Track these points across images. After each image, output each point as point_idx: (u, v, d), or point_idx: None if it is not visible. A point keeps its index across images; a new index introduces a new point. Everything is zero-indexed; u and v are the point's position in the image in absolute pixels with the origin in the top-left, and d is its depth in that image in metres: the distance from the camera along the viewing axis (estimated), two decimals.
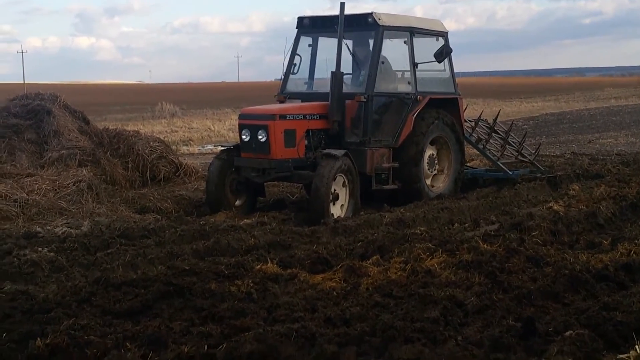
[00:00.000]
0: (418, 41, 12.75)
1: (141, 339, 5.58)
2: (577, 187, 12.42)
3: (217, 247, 8.63)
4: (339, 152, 11.17)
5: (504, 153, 15.05)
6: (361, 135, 11.94)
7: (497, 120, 15.54)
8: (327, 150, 11.33)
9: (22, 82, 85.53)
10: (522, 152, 15.41)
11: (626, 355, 4.99)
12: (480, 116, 15.61)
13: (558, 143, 21.94)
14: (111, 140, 14.20)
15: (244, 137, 11.57)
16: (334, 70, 11.72)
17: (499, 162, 14.62)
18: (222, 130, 35.96)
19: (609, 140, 23.96)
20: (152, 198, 12.37)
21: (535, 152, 15.92)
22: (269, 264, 7.70)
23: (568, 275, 6.88)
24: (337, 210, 11.19)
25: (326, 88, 11.99)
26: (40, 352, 5.29)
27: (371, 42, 12.42)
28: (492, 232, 9.08)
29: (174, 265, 7.53)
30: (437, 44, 12.91)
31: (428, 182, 12.86)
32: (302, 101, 12.54)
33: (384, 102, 12.43)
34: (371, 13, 12.08)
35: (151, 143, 14.26)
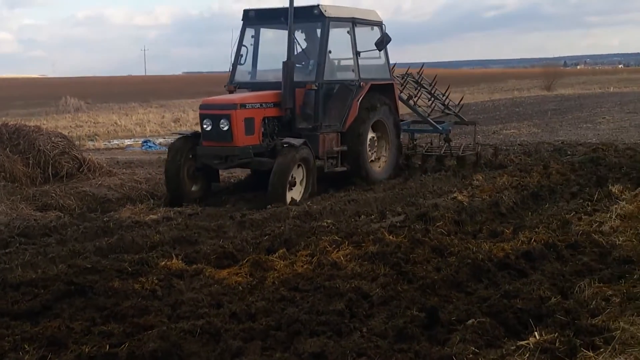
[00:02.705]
0: (357, 31, 13.42)
1: (40, 340, 5.45)
2: (481, 177, 12.69)
3: (121, 244, 8.46)
4: (298, 142, 11.76)
5: (431, 106, 16.10)
6: (312, 121, 12.58)
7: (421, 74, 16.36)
8: (287, 139, 11.90)
9: None
10: (448, 105, 16.48)
11: (526, 342, 5.10)
12: (407, 71, 16.26)
13: (463, 134, 22.26)
14: (10, 136, 13.75)
15: (205, 126, 11.95)
16: (281, 60, 12.31)
17: (429, 119, 15.64)
18: (129, 124, 35.41)
19: (512, 130, 24.51)
20: (54, 195, 12.05)
21: (458, 104, 16.98)
22: (174, 260, 7.61)
23: (471, 264, 7.01)
24: (295, 194, 11.76)
25: (270, 77, 12.98)
26: None
27: (316, 32, 13.10)
28: (398, 224, 9.19)
29: (76, 264, 7.35)
30: (373, 33, 13.69)
31: (369, 162, 13.53)
32: (250, 90, 13.06)
33: (331, 89, 13.03)
34: (317, 5, 12.70)
35: (53, 138, 13.86)
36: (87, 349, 5.21)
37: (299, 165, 11.83)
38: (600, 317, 5.61)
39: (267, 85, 13.01)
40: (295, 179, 11.80)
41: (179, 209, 11.42)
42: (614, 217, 9.10)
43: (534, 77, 79.82)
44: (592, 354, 4.90)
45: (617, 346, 4.99)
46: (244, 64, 13.55)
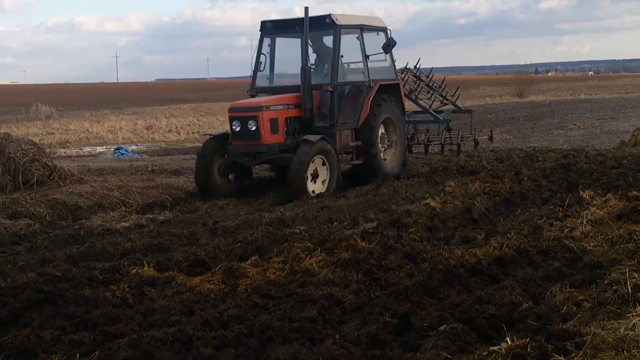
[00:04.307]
0: (365, 36, 14.59)
1: (9, 350, 5.38)
2: (453, 184, 12.72)
3: (92, 252, 8.39)
4: (315, 138, 12.92)
5: (431, 98, 18.11)
6: (329, 119, 13.75)
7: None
8: (305, 136, 13.05)
9: None
10: (446, 96, 18.43)
11: (498, 347, 5.10)
12: (406, 66, 17.66)
13: (436, 140, 22.39)
14: None
15: (234, 127, 13.19)
16: (295, 65, 13.79)
17: (430, 110, 17.55)
18: (100, 132, 35.27)
19: (484, 137, 24.57)
20: (24, 203, 11.89)
21: (454, 93, 18.94)
22: (146, 268, 7.55)
23: (443, 270, 7.01)
24: (318, 186, 13.01)
25: (286, 82, 14.36)
26: None
27: (327, 38, 14.33)
28: (371, 230, 9.19)
29: (46, 272, 7.28)
30: (378, 38, 14.90)
31: (381, 156, 14.66)
32: (269, 94, 14.19)
33: (344, 90, 14.23)
34: (329, 15, 13.87)
35: (23, 146, 13.72)
36: (57, 358, 5.16)
37: (320, 159, 12.95)
38: (571, 322, 5.63)
39: (284, 89, 14.14)
40: (317, 171, 12.95)
41: (150, 216, 11.37)
42: (584, 222, 9.15)
43: (506, 83, 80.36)
44: (563, 359, 4.92)
45: (588, 351, 5.01)
46: (263, 70, 14.66)
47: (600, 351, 4.99)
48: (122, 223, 10.72)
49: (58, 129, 37.06)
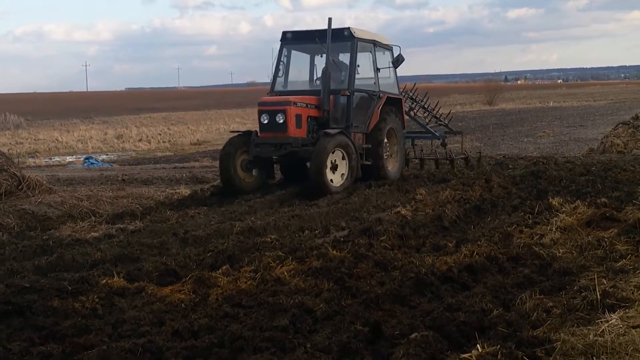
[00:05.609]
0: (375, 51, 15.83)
1: None
2: (424, 192, 12.76)
3: (61, 263, 8.30)
4: (334, 131, 14.00)
5: (426, 117, 19.15)
6: (344, 122, 14.82)
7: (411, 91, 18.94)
8: (325, 130, 14.12)
9: None
10: (440, 117, 19.36)
11: (468, 354, 5.11)
12: (404, 88, 18.25)
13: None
14: None
15: (263, 120, 14.29)
16: (306, 73, 15.74)
17: (428, 127, 18.66)
18: (70, 141, 35.04)
19: (455, 145, 24.68)
20: None
21: (447, 115, 19.83)
22: (115, 278, 7.48)
23: (414, 278, 7.01)
24: (337, 177, 13.97)
25: (299, 87, 15.67)
26: None
27: (346, 49, 15.39)
28: (342, 238, 9.19)
29: (14, 283, 7.18)
30: (384, 56, 16.12)
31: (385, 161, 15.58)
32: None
33: (358, 97, 15.30)
34: (348, 28, 15.14)
35: None
36: None
37: (339, 151, 13.90)
38: (541, 328, 5.66)
39: (299, 93, 15.09)
40: (336, 163, 13.89)
41: (121, 225, 11.29)
42: (554, 229, 9.23)
43: (476, 91, 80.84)
44: None
45: (558, 357, 5.03)
46: (282, 76, 15.82)
47: (570, 357, 5.03)
48: (92, 233, 10.62)
49: (27, 139, 36.76)
